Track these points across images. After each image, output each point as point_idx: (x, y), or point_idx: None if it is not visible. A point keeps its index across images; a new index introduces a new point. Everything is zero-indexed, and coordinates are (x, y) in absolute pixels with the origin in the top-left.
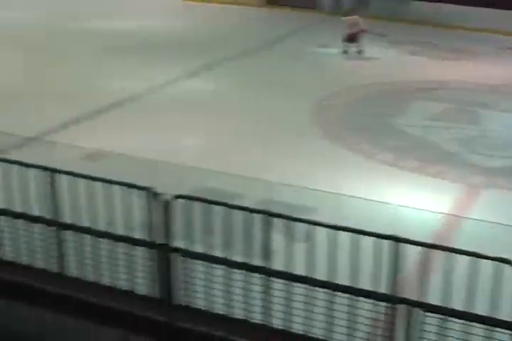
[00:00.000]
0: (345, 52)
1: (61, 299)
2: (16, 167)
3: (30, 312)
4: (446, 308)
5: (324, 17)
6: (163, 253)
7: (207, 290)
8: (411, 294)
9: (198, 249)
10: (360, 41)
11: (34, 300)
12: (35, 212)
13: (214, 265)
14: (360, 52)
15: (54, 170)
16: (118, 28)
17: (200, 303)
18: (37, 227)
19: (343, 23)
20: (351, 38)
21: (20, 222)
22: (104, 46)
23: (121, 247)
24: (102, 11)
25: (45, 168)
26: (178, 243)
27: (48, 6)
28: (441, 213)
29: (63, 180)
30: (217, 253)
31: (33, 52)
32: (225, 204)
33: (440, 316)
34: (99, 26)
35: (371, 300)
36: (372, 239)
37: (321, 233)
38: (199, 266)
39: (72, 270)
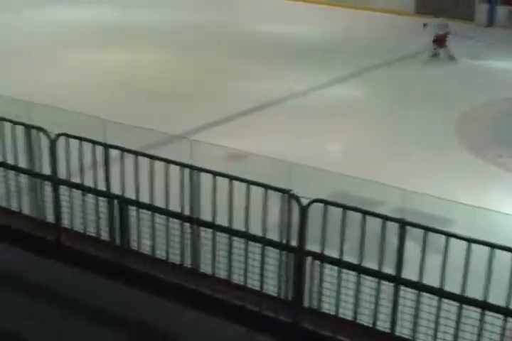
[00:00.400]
0: (434, 55)
1: (192, 295)
2: (160, 163)
3: (162, 305)
4: None
5: (476, 28)
6: (297, 256)
7: (337, 295)
8: None
9: (331, 253)
10: (448, 45)
11: (166, 294)
12: (175, 207)
13: (345, 270)
14: (451, 58)
15: (195, 168)
16: (265, 32)
17: (328, 308)
18: (173, 223)
19: (431, 25)
20: (440, 41)
21: (158, 216)
22: (252, 49)
23: (255, 247)
24: (250, 15)
25: (186, 165)
26: (311, 246)
27: (201, 8)
28: None
29: (203, 178)
30: (350, 258)
31: (183, 53)
32: (361, 211)
33: None
34: (249, 30)
35: (501, 316)
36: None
37: (457, 245)
38: (331, 270)
39: (205, 266)
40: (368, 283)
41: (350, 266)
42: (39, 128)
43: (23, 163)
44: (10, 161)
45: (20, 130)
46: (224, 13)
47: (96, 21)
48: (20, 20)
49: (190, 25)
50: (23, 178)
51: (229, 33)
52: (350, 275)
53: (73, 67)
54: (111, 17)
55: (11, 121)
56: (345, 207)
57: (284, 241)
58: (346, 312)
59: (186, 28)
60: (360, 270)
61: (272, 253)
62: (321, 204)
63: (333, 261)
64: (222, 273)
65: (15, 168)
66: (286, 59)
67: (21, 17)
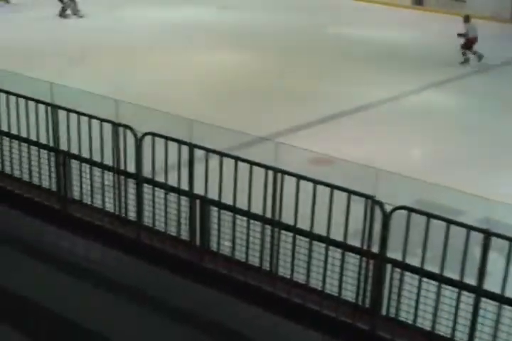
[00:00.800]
0: (466, 61)
1: (269, 297)
2: (244, 165)
3: (238, 306)
4: None
5: None
6: (378, 263)
7: (415, 304)
8: None
9: (411, 261)
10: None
11: (243, 296)
12: (257, 209)
13: (425, 279)
14: (480, 57)
15: (279, 171)
16: (356, 36)
17: (406, 316)
18: (254, 225)
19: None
20: (471, 45)
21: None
22: (344, 52)
23: (336, 252)
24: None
25: (270, 168)
26: (392, 253)
27: (294, 11)
28: None
29: (287, 181)
30: (430, 267)
31: (276, 55)
32: (446, 219)
33: None
34: (339, 33)
35: None
36: None
37: None
38: (411, 278)
39: (283, 270)
40: (448, 293)
41: (430, 275)
42: (126, 126)
43: (108, 161)
44: (96, 158)
45: (107, 127)
46: (314, 15)
47: (198, 21)
48: (122, 19)
49: (283, 27)
50: (108, 175)
51: (321, 35)
52: (430, 285)
53: (165, 67)
54: (208, 17)
55: (98, 118)
56: (429, 215)
57: (365, 248)
58: (424, 322)
59: (280, 29)
60: (440, 279)
61: (352, 259)
62: (403, 211)
63: (413, 270)
64: (300, 277)
65: (100, 165)
66: (377, 63)
67: (124, 16)
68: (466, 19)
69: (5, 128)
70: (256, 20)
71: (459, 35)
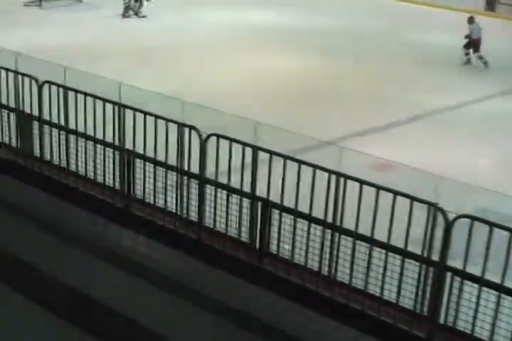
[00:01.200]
0: (468, 61)
1: (327, 302)
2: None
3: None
4: None
5: None
6: (438, 271)
7: (474, 313)
8: None
9: (472, 270)
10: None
11: (300, 300)
12: (317, 214)
13: (485, 289)
14: (485, 63)
15: (342, 175)
16: (425, 41)
17: (464, 325)
18: (314, 228)
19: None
20: (475, 46)
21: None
22: (410, 58)
23: (395, 259)
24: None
25: (333, 172)
26: (451, 262)
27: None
28: None
29: (349, 186)
30: (491, 277)
31: (342, 59)
32: (510, 229)
33: None
34: (404, 38)
35: None
36: None
37: None
38: (470, 287)
39: (341, 274)
40: (508, 303)
41: (491, 285)
42: (191, 127)
43: (172, 161)
44: (160, 158)
45: (173, 128)
46: (375, 20)
47: (265, 24)
48: (191, 19)
49: (351, 32)
50: (172, 175)
51: (386, 40)
52: (490, 295)
53: (232, 68)
54: (275, 20)
55: (164, 118)
56: (492, 225)
57: (426, 255)
58: (483, 332)
59: (348, 34)
60: (501, 289)
61: (412, 266)
62: (465, 220)
63: (473, 279)
64: (359, 283)
65: (164, 164)
66: (446, 68)
67: (201, 17)
68: (471, 20)
69: (72, 126)
70: (324, 24)
71: (466, 37)
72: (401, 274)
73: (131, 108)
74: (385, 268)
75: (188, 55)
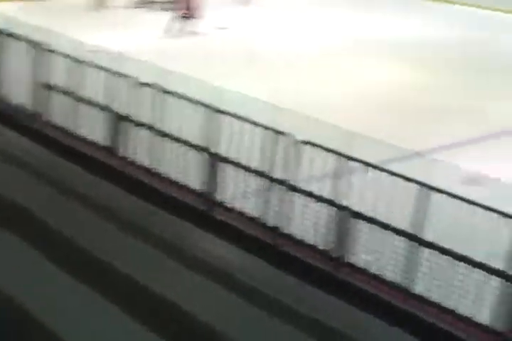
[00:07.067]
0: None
1: (400, 314)
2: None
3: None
4: None
5: None
6: None
7: None
8: None
9: None
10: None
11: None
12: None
13: None
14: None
15: (431, 188)
16: None
17: None
18: (398, 240)
19: None
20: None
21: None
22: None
23: (477, 273)
24: None
25: (423, 184)
26: None
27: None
28: None
29: (437, 199)
30: None
31: (440, 70)
32: None
33: None
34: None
35: None
36: None
37: None
38: None
39: (421, 288)
40: None
41: None
42: (285, 134)
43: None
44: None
45: (268, 134)
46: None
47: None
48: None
49: (447, 42)
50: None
51: (483, 51)
52: None
53: (331, 77)
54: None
55: (260, 124)
56: None
57: (509, 272)
58: None
59: (440, 45)
60: None
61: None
62: None
63: None
64: (433, 297)
65: (253, 170)
66: None
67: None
68: None
69: (166, 129)
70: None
71: None
72: (481, 289)
73: (226, 113)
74: (463, 283)
75: (288, 61)
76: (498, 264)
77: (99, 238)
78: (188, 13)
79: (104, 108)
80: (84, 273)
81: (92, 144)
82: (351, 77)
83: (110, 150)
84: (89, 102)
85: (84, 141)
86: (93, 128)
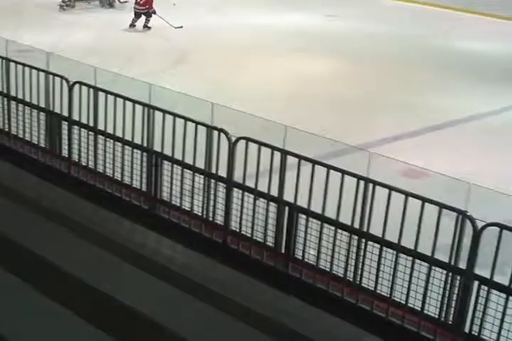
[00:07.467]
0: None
1: (350, 308)
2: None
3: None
4: None
5: None
6: (464, 280)
7: (500, 323)
8: None
9: (499, 279)
10: None
11: (324, 306)
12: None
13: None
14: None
15: (370, 181)
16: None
17: (488, 335)
18: (340, 234)
19: None
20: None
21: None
22: (446, 65)
23: (421, 266)
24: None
25: (361, 177)
26: (479, 271)
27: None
28: None
29: (378, 192)
30: None
31: (376, 64)
32: None
33: None
34: (444, 44)
35: None
36: None
37: None
38: (497, 297)
39: (366, 281)
40: None
41: None
42: (221, 130)
43: (200, 164)
44: (188, 160)
45: (202, 130)
46: (423, 27)
47: (300, 29)
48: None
49: (386, 38)
50: (199, 178)
51: (425, 46)
52: None
53: (263, 72)
54: (312, 25)
55: (193, 120)
56: None
57: (453, 263)
58: None
59: (383, 40)
60: None
61: (438, 273)
62: (495, 228)
63: (501, 288)
64: (384, 289)
65: (192, 167)
66: (479, 75)
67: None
68: None
69: (101, 127)
70: (360, 30)
71: None
72: (427, 282)
73: (160, 110)
74: (410, 276)
75: (222, 57)
76: (440, 256)
77: (36, 233)
78: None
79: (40, 108)
80: (25, 271)
81: (28, 143)
82: (286, 73)
83: (48, 151)
84: (22, 101)
85: (20, 140)
86: (29, 128)
